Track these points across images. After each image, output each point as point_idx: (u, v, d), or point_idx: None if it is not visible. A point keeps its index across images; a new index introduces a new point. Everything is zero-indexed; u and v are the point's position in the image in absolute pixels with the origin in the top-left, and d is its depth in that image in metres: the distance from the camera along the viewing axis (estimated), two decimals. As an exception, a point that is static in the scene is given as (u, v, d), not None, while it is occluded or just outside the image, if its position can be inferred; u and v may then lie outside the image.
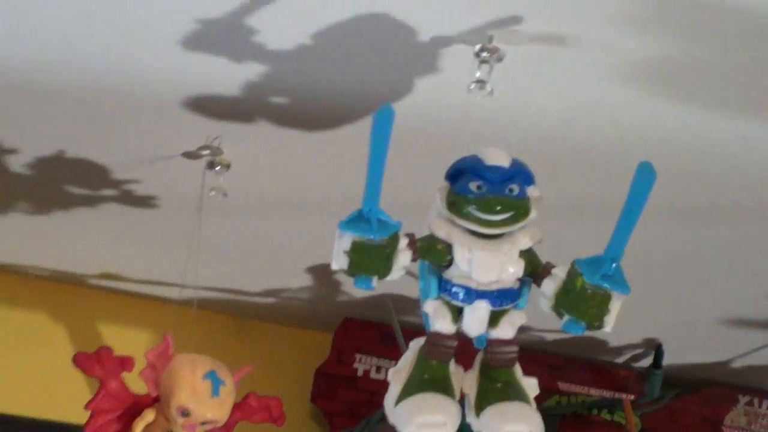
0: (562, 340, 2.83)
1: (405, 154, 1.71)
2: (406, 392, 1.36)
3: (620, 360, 2.97)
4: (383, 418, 2.26)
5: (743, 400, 3.06)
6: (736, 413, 3.04)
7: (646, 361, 2.87)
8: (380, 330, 2.60)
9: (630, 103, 1.63)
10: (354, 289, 2.55)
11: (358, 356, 2.71)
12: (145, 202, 2.15)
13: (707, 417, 3.01)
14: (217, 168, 1.87)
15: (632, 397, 2.87)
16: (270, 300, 2.72)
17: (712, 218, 2.09)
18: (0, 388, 2.56)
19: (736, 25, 1.39)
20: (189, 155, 1.90)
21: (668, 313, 2.64)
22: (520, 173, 1.29)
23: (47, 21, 1.50)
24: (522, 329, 2.65)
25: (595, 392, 2.92)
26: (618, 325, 2.63)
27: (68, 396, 1.86)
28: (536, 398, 2.72)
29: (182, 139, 1.86)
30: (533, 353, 2.87)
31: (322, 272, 2.48)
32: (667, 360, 2.84)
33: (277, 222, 2.22)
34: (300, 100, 1.70)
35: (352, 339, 2.74)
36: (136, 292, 2.71)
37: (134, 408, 1.70)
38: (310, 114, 1.74)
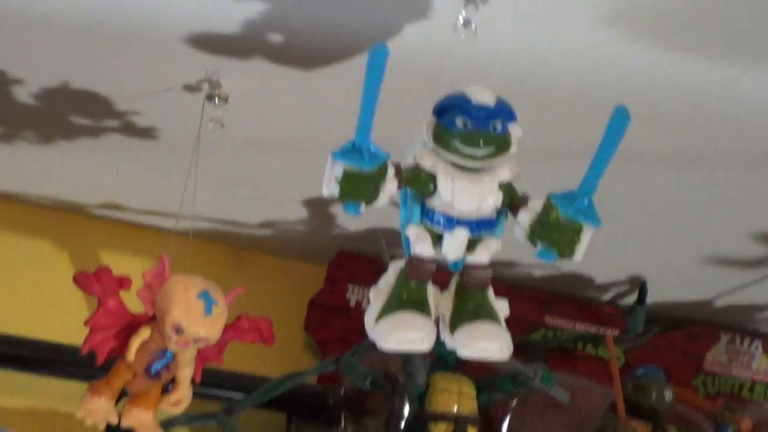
0: (550, 277, 2.90)
1: (395, 91, 1.76)
2: (386, 310, 1.44)
3: (606, 297, 3.04)
4: (372, 345, 2.36)
5: (725, 338, 3.13)
6: (718, 350, 3.11)
7: (631, 299, 2.94)
8: (372, 262, 2.65)
9: (612, 47, 1.68)
10: (348, 223, 2.64)
11: (350, 287, 2.79)
12: (146, 133, 2.20)
13: (689, 353, 3.08)
14: (216, 101, 1.92)
15: (616, 332, 2.94)
16: (267, 232, 2.78)
17: (694, 161, 2.15)
18: (5, 311, 2.62)
19: None
20: (189, 88, 1.95)
21: (652, 252, 2.70)
22: (503, 111, 1.36)
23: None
24: (511, 265, 2.77)
25: (581, 327, 2.99)
26: (603, 263, 2.76)
27: (70, 318, 1.89)
28: (524, 331, 2.83)
29: (182, 72, 1.91)
30: (522, 289, 2.95)
31: (317, 205, 2.53)
32: (652, 298, 2.91)
33: (273, 155, 2.27)
34: (296, 38, 1.75)
35: (346, 271, 2.80)
36: (137, 222, 2.76)
37: (131, 326, 1.78)
38: (305, 52, 1.79)
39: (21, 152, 2.40)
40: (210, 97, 1.93)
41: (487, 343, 1.45)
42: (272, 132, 2.17)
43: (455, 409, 2.36)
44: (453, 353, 2.37)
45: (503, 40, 1.68)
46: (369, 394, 2.51)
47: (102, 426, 1.88)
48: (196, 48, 1.81)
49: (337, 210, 2.59)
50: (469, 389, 2.40)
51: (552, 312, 2.99)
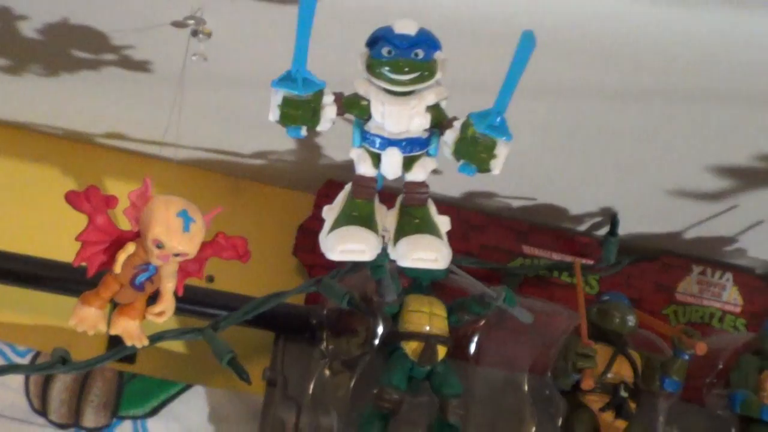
0: (527, 207, 3.02)
1: (347, 29, 1.90)
2: (335, 225, 1.62)
3: (581, 228, 3.14)
4: (352, 268, 2.53)
5: (696, 269, 3.24)
6: (689, 281, 3.22)
7: (605, 230, 3.06)
8: None
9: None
10: (335, 153, 2.78)
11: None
12: (139, 66, 2.34)
13: (661, 284, 3.19)
14: (200, 36, 2.06)
15: (591, 262, 3.06)
16: (258, 161, 2.91)
17: (650, 97, 2.28)
18: (11, 231, 2.80)
19: None
20: (176, 24, 2.09)
21: (621, 184, 2.82)
22: (425, 40, 1.51)
23: None
24: (489, 196, 2.90)
25: (557, 257, 3.10)
26: (576, 195, 2.91)
27: (70, 239, 2.03)
28: (501, 259, 2.97)
29: (171, 9, 2.06)
30: (500, 219, 3.06)
31: (306, 136, 2.68)
32: (625, 230, 3.03)
33: (259, 89, 2.35)
34: None
35: (333, 199, 2.89)
36: (136, 150, 2.91)
37: (118, 241, 1.92)
38: (281, -10, 1.93)
39: (26, 83, 2.54)
40: (195, 33, 2.06)
41: (423, 252, 1.59)
42: (256, 65, 2.26)
43: (427, 328, 2.53)
44: (427, 278, 2.57)
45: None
46: (348, 315, 2.67)
47: (91, 333, 2.03)
48: (182, -14, 1.94)
49: (325, 141, 2.73)
50: (440, 310, 2.57)
51: (529, 242, 3.10)
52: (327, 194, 2.92)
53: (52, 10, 2.15)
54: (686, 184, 2.74)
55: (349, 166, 2.77)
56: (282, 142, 2.74)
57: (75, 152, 2.93)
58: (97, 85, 2.49)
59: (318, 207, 2.89)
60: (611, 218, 3.02)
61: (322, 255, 2.83)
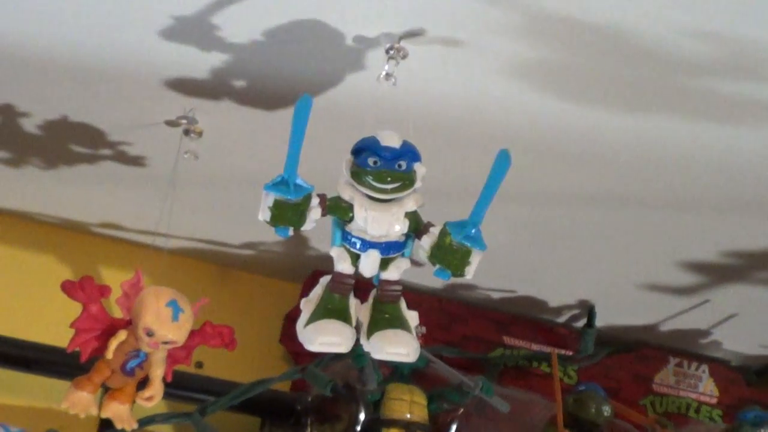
0: (508, 299, 3.12)
1: (331, 130, 2.02)
2: (313, 318, 1.70)
3: (560, 319, 3.25)
4: (336, 356, 2.60)
5: (673, 361, 3.32)
6: (666, 372, 3.30)
7: (584, 321, 3.15)
8: None
9: (516, 96, 1.92)
10: (322, 245, 2.86)
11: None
12: (134, 161, 2.45)
13: (639, 374, 3.27)
14: (192, 135, 2.18)
15: (569, 353, 3.14)
16: (247, 252, 3.00)
17: (621, 200, 2.40)
18: (7, 316, 2.88)
19: (592, 34, 1.70)
20: (169, 123, 2.20)
21: (596, 279, 2.92)
22: (407, 152, 1.60)
23: (47, 6, 1.82)
24: (470, 288, 2.99)
25: (537, 347, 3.19)
26: (555, 288, 2.99)
27: (63, 323, 2.11)
28: (483, 349, 3.04)
29: (164, 109, 2.16)
30: (482, 310, 3.15)
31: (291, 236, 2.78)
32: (603, 321, 3.13)
33: (246, 184, 2.46)
34: (256, 84, 2.00)
35: None
36: (130, 240, 3.01)
37: (111, 329, 2.01)
38: (264, 95, 2.05)
39: (27, 175, 2.64)
40: (187, 132, 2.18)
41: (395, 347, 1.67)
42: (244, 162, 2.41)
43: (408, 416, 2.60)
44: (407, 366, 2.64)
45: (420, 89, 1.93)
46: (332, 402, 2.73)
47: (83, 416, 2.11)
48: (174, 89, 2.06)
49: (311, 233, 2.80)
50: (420, 398, 2.64)
51: (510, 332, 3.19)
52: (313, 284, 2.87)
53: (53, 108, 2.25)
54: (660, 279, 2.83)
55: (336, 257, 2.90)
56: (269, 234, 2.74)
57: (70, 240, 3.03)
58: (93, 178, 2.59)
59: (304, 296, 2.98)
60: (588, 310, 3.10)
61: (307, 343, 2.97)
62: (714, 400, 3.34)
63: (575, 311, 3.16)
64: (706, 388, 3.34)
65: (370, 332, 1.70)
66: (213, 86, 2.03)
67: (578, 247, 2.71)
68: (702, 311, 3.00)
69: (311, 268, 3.04)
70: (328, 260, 2.92)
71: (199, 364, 2.89)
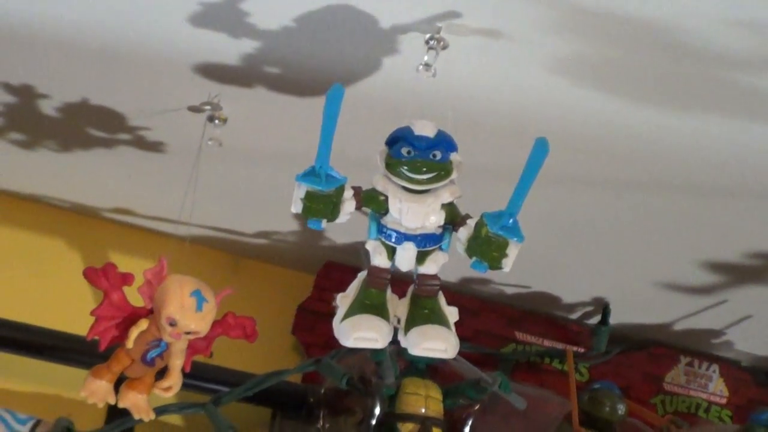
0: (521, 295, 3.10)
1: (368, 119, 1.99)
2: (349, 313, 1.68)
3: (573, 316, 3.22)
4: (351, 349, 2.57)
5: (684, 360, 3.31)
6: (677, 372, 3.29)
7: (597, 318, 3.13)
8: (357, 273, 2.83)
9: (554, 91, 1.90)
10: (336, 236, 2.85)
11: (336, 296, 2.97)
12: (154, 147, 2.41)
13: (649, 373, 3.26)
14: (216, 122, 2.14)
15: (581, 350, 3.13)
16: (262, 241, 2.98)
17: (646, 194, 2.37)
18: (21, 302, 2.83)
19: (636, 30, 1.68)
20: (193, 109, 2.17)
21: (613, 276, 2.90)
22: (443, 142, 1.58)
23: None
24: (484, 282, 2.97)
25: (549, 344, 3.17)
26: (570, 284, 2.97)
27: (79, 311, 2.07)
28: (494, 344, 3.03)
29: (188, 95, 2.13)
30: (494, 305, 3.14)
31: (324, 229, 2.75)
32: (616, 319, 3.10)
33: (268, 173, 2.49)
34: (288, 71, 1.96)
35: (333, 280, 2.98)
36: (143, 226, 2.97)
37: (131, 318, 1.97)
38: (296, 82, 2.01)
39: (42, 158, 2.60)
40: (211, 118, 2.14)
41: (434, 343, 1.66)
42: (267, 152, 2.39)
43: (423, 410, 2.56)
44: (423, 361, 2.62)
45: (459, 81, 1.90)
46: (345, 395, 2.71)
47: (101, 405, 2.08)
48: (201, 75, 2.03)
49: (326, 224, 2.79)
50: (435, 393, 2.61)
51: (522, 328, 3.17)
52: (327, 275, 3.01)
53: (73, 90, 2.22)
54: (678, 278, 2.82)
55: (349, 249, 2.90)
56: (285, 223, 2.81)
57: (84, 226, 2.99)
58: (110, 163, 2.56)
59: (317, 288, 2.98)
60: (603, 308, 3.09)
61: (320, 335, 2.96)
62: (724, 401, 3.33)
63: (589, 308, 3.15)
64: (716, 388, 3.33)
65: (408, 328, 1.68)
66: (241, 73, 2.00)
67: (597, 244, 2.70)
68: (716, 311, 2.98)
69: (325, 259, 3.02)
70: (342, 252, 2.95)
71: (210, 354, 2.85)
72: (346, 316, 1.68)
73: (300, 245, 2.98)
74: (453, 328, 1.70)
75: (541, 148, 1.50)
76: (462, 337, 2.97)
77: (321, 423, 2.76)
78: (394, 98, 1.95)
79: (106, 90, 2.20)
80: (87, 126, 2.38)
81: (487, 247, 1.58)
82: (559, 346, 3.16)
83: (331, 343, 2.76)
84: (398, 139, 1.58)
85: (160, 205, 2.81)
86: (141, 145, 2.42)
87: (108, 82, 2.15)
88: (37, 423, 2.73)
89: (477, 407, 2.82)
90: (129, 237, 2.99)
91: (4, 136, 2.49)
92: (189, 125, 2.20)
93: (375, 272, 1.67)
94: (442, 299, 1.72)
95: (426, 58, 1.70)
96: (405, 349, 1.74)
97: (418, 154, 1.56)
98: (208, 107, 2.14)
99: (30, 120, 2.40)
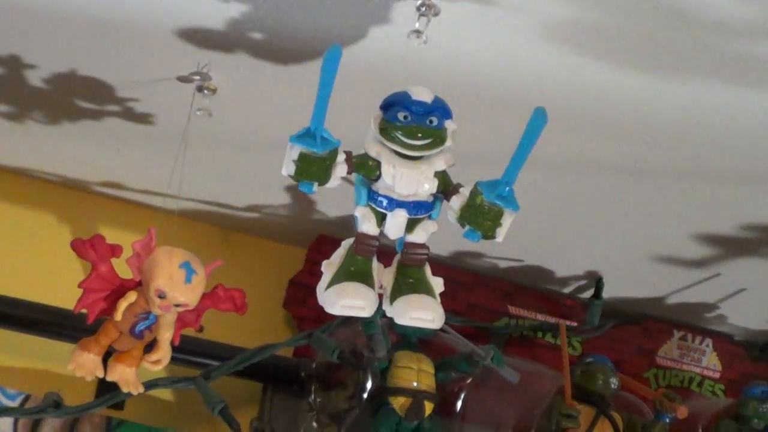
0: (514, 269, 3.08)
1: (356, 87, 1.96)
2: (335, 280, 1.65)
3: (567, 290, 3.21)
4: (343, 322, 2.56)
5: (677, 334, 3.31)
6: (670, 346, 3.29)
7: (590, 292, 3.12)
8: None
9: (548, 58, 1.87)
10: (328, 209, 2.82)
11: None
12: (143, 119, 2.38)
13: (643, 347, 3.25)
14: (205, 92, 2.10)
15: (574, 324, 3.12)
16: (252, 215, 2.95)
17: (640, 170, 2.35)
18: (8, 276, 2.82)
19: None
20: (182, 79, 2.13)
21: (606, 250, 2.88)
22: (439, 108, 1.55)
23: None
24: (477, 256, 2.96)
25: (542, 317, 3.16)
26: (563, 258, 2.95)
27: (66, 284, 2.05)
28: (487, 318, 3.02)
29: (176, 65, 2.09)
30: (487, 278, 3.12)
31: (300, 192, 2.66)
32: (609, 293, 3.09)
33: (259, 144, 2.45)
34: (276, 38, 1.93)
35: (324, 254, 2.76)
36: (133, 200, 2.94)
37: (120, 290, 1.96)
38: (284, 50, 1.98)
39: (30, 131, 2.57)
40: (200, 88, 2.11)
41: (420, 312, 1.63)
42: (257, 122, 2.36)
43: (415, 384, 2.57)
44: (415, 334, 2.61)
45: (450, 49, 1.87)
46: (337, 369, 2.70)
47: (89, 379, 2.06)
48: (189, 43, 1.99)
49: (318, 197, 2.77)
50: (428, 367, 2.61)
51: (515, 302, 3.16)
52: (318, 249, 2.99)
53: (61, 61, 2.19)
54: (671, 251, 2.80)
55: (341, 222, 2.87)
56: (276, 196, 2.79)
57: (72, 199, 2.96)
58: (98, 135, 2.53)
59: (309, 261, 2.96)
60: (596, 282, 3.07)
61: (311, 308, 2.93)
62: (717, 375, 3.33)
63: (582, 282, 3.13)
64: (709, 362, 3.32)
65: (394, 297, 1.66)
66: (229, 40, 1.97)
67: (590, 217, 2.67)
68: (710, 285, 2.97)
69: (317, 233, 3.00)
70: (334, 225, 2.93)
71: (200, 328, 2.83)
72: (332, 283, 1.65)
73: (291, 219, 2.96)
74: (438, 298, 1.67)
75: (539, 118, 1.48)
76: (455, 311, 3.01)
77: (312, 397, 2.75)
78: (384, 66, 1.93)
79: (94, 60, 2.17)
80: (75, 97, 2.35)
81: (481, 216, 1.56)
82: (552, 320, 3.16)
83: (323, 317, 2.74)
84: (394, 104, 1.55)
85: (150, 178, 2.78)
86: (130, 117, 2.39)
87: (96, 51, 2.12)
88: (27, 398, 2.73)
89: (469, 381, 2.82)
90: (118, 210, 2.96)
91: (-9, 108, 2.45)
92: (178, 96, 2.17)
93: (362, 239, 1.64)
94: (428, 269, 1.69)
95: (417, 24, 1.66)
96: (397, 323, 1.72)
97: (414, 119, 1.53)
98: (197, 77, 2.11)
99: (17, 91, 2.36)
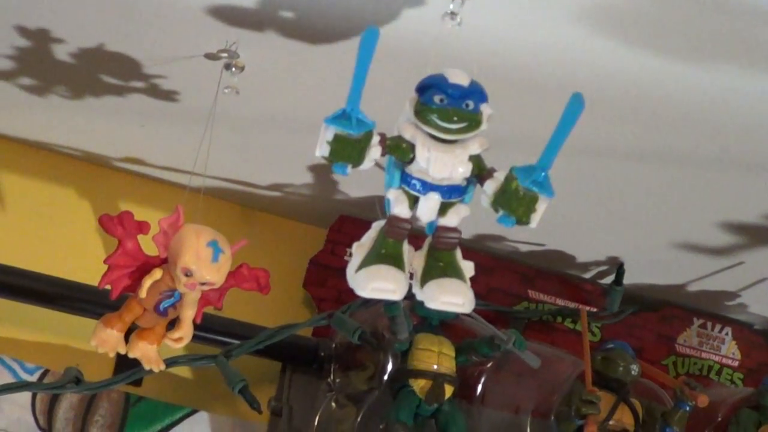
0: (535, 253, 3.07)
1: (390, 69, 1.93)
2: (365, 263, 1.63)
3: (587, 275, 3.20)
4: (364, 303, 2.56)
5: (697, 322, 3.29)
6: (689, 334, 3.28)
7: (611, 278, 3.09)
8: (370, 227, 2.83)
9: (582, 42, 1.86)
10: (350, 189, 2.81)
11: (349, 250, 2.93)
12: (168, 96, 2.37)
13: (662, 334, 3.24)
14: (233, 69, 2.09)
15: (594, 309, 3.10)
16: (274, 194, 2.94)
17: (664, 156, 2.33)
18: (31, 250, 2.81)
19: None
20: (209, 56, 2.12)
21: (629, 236, 2.87)
22: (476, 92, 1.53)
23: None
24: (498, 239, 2.95)
25: (562, 302, 3.15)
26: (585, 243, 2.95)
27: (89, 260, 2.04)
28: (507, 302, 3.01)
29: (204, 42, 2.09)
30: (508, 262, 3.11)
31: (322, 172, 2.71)
32: (629, 279, 3.06)
33: (284, 123, 2.45)
34: (306, 16, 1.92)
35: (345, 234, 2.95)
36: (156, 177, 2.94)
37: (145, 267, 1.96)
38: (315, 29, 1.97)
39: (54, 105, 2.56)
40: (228, 66, 2.10)
41: (451, 297, 1.62)
42: (284, 101, 2.35)
43: (435, 367, 2.57)
44: (437, 317, 2.61)
45: (484, 30, 1.86)
46: (357, 350, 2.70)
47: (111, 355, 2.06)
48: (218, 20, 1.98)
49: (340, 177, 2.77)
50: (448, 350, 2.61)
51: (535, 286, 3.15)
52: (339, 229, 2.98)
53: (89, 36, 2.18)
54: (694, 239, 2.78)
55: (362, 203, 2.87)
56: (299, 176, 2.78)
57: (96, 175, 2.95)
58: (122, 111, 2.52)
59: (330, 242, 2.95)
60: (618, 268, 3.05)
61: (331, 289, 2.93)
62: (736, 363, 3.32)
63: (603, 268, 3.12)
64: (728, 350, 3.31)
65: (424, 280, 1.64)
66: (258, 18, 1.95)
67: (614, 203, 2.67)
68: (732, 273, 2.96)
69: (338, 213, 2.99)
70: (355, 205, 2.93)
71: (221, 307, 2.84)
72: (362, 265, 1.63)
73: (313, 198, 2.95)
74: (468, 282, 1.66)
75: (576, 103, 1.46)
76: (476, 295, 2.98)
77: (332, 377, 2.75)
78: (416, 48, 1.91)
79: (122, 36, 2.16)
80: (101, 73, 2.34)
81: (516, 201, 1.55)
82: (572, 305, 3.14)
83: (343, 297, 2.77)
84: (430, 87, 1.53)
85: (174, 155, 2.76)
86: (156, 94, 2.38)
87: (124, 27, 2.12)
88: (46, 372, 2.73)
89: (490, 365, 2.81)
90: (141, 187, 2.95)
91: (16, 81, 2.44)
92: (205, 74, 2.16)
93: (395, 221, 1.62)
94: (458, 253, 1.67)
95: (451, 6, 1.65)
96: (418, 305, 1.71)
97: (450, 103, 1.52)
98: (224, 54, 2.10)
99: (43, 65, 2.35)
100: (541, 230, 2.85)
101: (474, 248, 3.04)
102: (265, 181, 2.90)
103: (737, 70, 1.90)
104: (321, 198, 2.94)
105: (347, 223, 2.98)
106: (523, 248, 3.07)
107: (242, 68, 2.11)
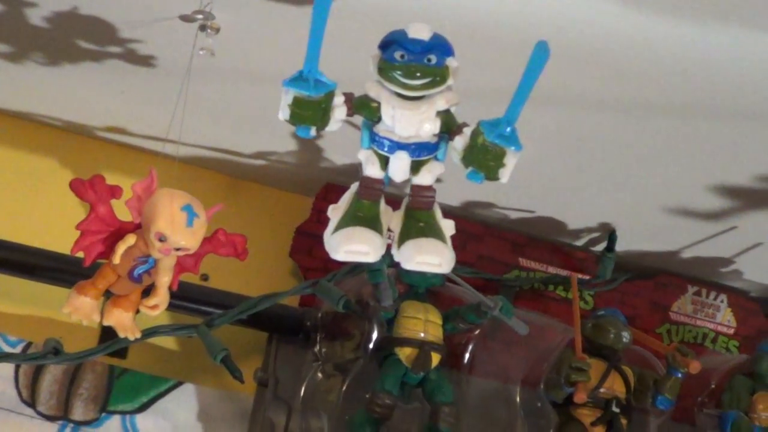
0: (525, 219, 3.02)
1: (357, 30, 1.91)
2: (340, 225, 1.60)
3: (579, 243, 3.15)
4: (350, 271, 2.52)
5: (691, 289, 3.25)
6: (684, 301, 3.23)
7: (603, 245, 3.05)
8: None
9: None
10: (335, 157, 2.77)
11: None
12: (145, 60, 2.33)
13: (656, 302, 3.20)
14: (208, 31, 2.03)
15: (586, 277, 3.06)
16: (258, 162, 2.90)
17: (654, 113, 2.28)
18: (9, 221, 2.78)
19: None
20: (184, 18, 2.08)
21: (620, 201, 2.82)
22: (438, 45, 1.49)
23: None
24: (487, 206, 2.90)
25: (553, 270, 3.10)
26: (576, 209, 2.90)
27: (66, 229, 2.00)
28: (497, 270, 2.97)
29: (179, 3, 2.05)
30: (498, 230, 3.06)
31: (306, 139, 2.67)
32: (622, 246, 3.02)
33: (264, 87, 2.36)
34: None
35: (331, 202, 2.83)
36: (137, 145, 2.90)
37: (118, 232, 1.91)
38: (292, -12, 1.93)
39: (31, 73, 2.52)
40: (203, 28, 2.04)
41: (427, 256, 1.57)
42: (261, 63, 2.30)
43: (422, 335, 2.53)
44: (423, 284, 2.57)
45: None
46: (343, 319, 2.66)
47: (86, 323, 2.02)
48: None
49: (325, 144, 2.72)
50: (435, 318, 2.57)
51: (526, 254, 3.10)
52: (325, 198, 2.93)
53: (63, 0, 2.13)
54: (686, 203, 2.74)
55: (349, 170, 2.81)
56: (283, 143, 2.74)
57: (72, 144, 2.92)
58: (99, 77, 2.48)
59: (316, 210, 2.92)
60: (609, 234, 3.01)
61: (318, 258, 2.89)
62: (731, 331, 3.28)
63: (595, 234, 3.08)
64: (723, 318, 3.27)
65: (401, 241, 1.60)
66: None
67: (605, 166, 2.62)
68: (726, 239, 2.91)
69: (324, 181, 2.95)
70: (342, 173, 2.88)
71: (205, 277, 2.82)
72: (337, 228, 1.60)
73: (298, 167, 2.91)
74: (449, 241, 1.61)
75: (540, 52, 1.40)
76: (465, 262, 2.96)
77: (318, 347, 2.71)
78: (384, 3, 1.86)
79: (96, -1, 2.11)
80: (76, 38, 2.30)
81: (483, 156, 1.50)
82: (564, 273, 3.10)
83: (330, 266, 2.71)
84: (391, 43, 1.49)
85: (153, 122, 2.72)
86: (132, 59, 2.34)
87: (98, -12, 2.06)
88: (29, 345, 2.70)
89: (477, 333, 2.77)
90: (121, 156, 2.91)
91: (-10, 48, 2.40)
92: (181, 36, 2.11)
93: (367, 182, 1.60)
94: (438, 212, 1.64)
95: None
96: (404, 272, 1.67)
97: (411, 58, 1.48)
98: (200, 16, 2.04)
99: (17, 31, 2.31)
100: (531, 196, 2.85)
101: (463, 215, 2.99)
102: (248, 149, 2.86)
103: (729, 24, 1.85)
104: (306, 166, 2.90)
105: (333, 191, 2.94)
106: (513, 215, 3.02)
107: (217, 29, 2.06)
